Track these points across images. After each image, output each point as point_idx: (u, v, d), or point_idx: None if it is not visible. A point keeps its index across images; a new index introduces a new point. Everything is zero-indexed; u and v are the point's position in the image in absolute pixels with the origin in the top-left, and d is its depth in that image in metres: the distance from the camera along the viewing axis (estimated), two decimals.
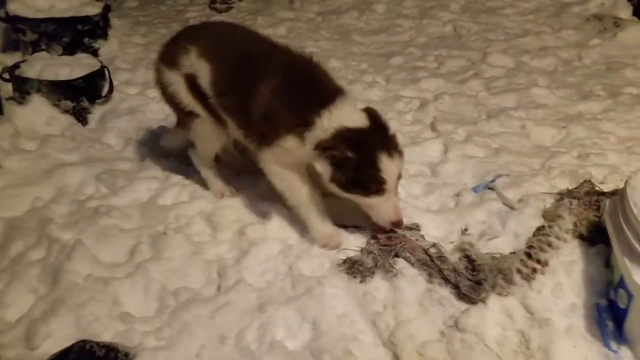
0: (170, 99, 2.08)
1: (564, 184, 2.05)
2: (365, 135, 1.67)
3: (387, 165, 1.65)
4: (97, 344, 1.36)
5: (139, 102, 2.96)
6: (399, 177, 1.74)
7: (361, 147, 1.65)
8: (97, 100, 2.84)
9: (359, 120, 1.69)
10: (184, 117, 2.08)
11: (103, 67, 2.89)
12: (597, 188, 1.95)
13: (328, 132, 1.66)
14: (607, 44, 3.63)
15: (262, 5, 4.89)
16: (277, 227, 1.94)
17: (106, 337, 1.50)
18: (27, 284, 1.70)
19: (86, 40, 3.43)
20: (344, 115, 1.68)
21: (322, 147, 1.66)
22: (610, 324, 1.50)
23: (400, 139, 1.78)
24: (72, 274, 1.67)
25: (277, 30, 4.21)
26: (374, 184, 1.67)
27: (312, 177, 1.86)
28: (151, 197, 2.14)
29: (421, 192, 2.14)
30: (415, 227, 1.87)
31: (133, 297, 1.64)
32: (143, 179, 2.24)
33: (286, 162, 1.81)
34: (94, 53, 3.38)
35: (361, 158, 1.65)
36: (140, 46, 3.95)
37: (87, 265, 1.71)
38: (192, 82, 1.96)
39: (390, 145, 1.69)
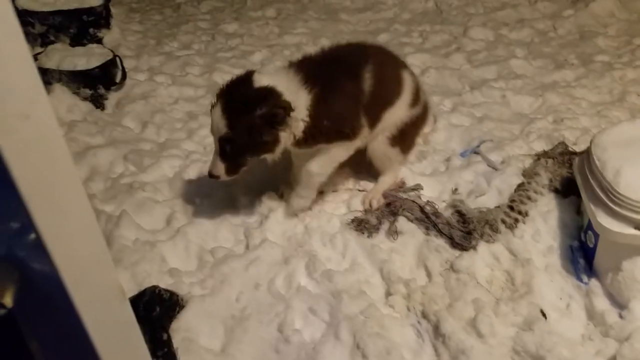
0: None
1: (540, 147, 2.19)
2: (229, 86, 1.74)
3: (212, 115, 1.69)
4: (164, 289, 1.54)
5: (149, 87, 3.08)
6: (220, 137, 1.69)
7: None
8: (112, 87, 2.97)
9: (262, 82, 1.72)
10: None
11: (115, 56, 3.02)
12: (570, 149, 2.09)
13: None
14: (580, 14, 3.71)
15: None
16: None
17: None
18: None
19: (91, 30, 3.50)
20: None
21: None
22: (581, 261, 1.67)
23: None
24: (122, 238, 1.84)
25: (266, 12, 4.26)
26: None
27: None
28: (176, 173, 2.29)
29: (415, 159, 2.29)
30: (417, 188, 2.05)
31: (176, 256, 1.82)
32: (166, 157, 2.37)
33: None
34: (99, 42, 3.46)
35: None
36: (139, 33, 3.99)
37: (133, 231, 1.88)
38: None
39: (227, 98, 1.68)
